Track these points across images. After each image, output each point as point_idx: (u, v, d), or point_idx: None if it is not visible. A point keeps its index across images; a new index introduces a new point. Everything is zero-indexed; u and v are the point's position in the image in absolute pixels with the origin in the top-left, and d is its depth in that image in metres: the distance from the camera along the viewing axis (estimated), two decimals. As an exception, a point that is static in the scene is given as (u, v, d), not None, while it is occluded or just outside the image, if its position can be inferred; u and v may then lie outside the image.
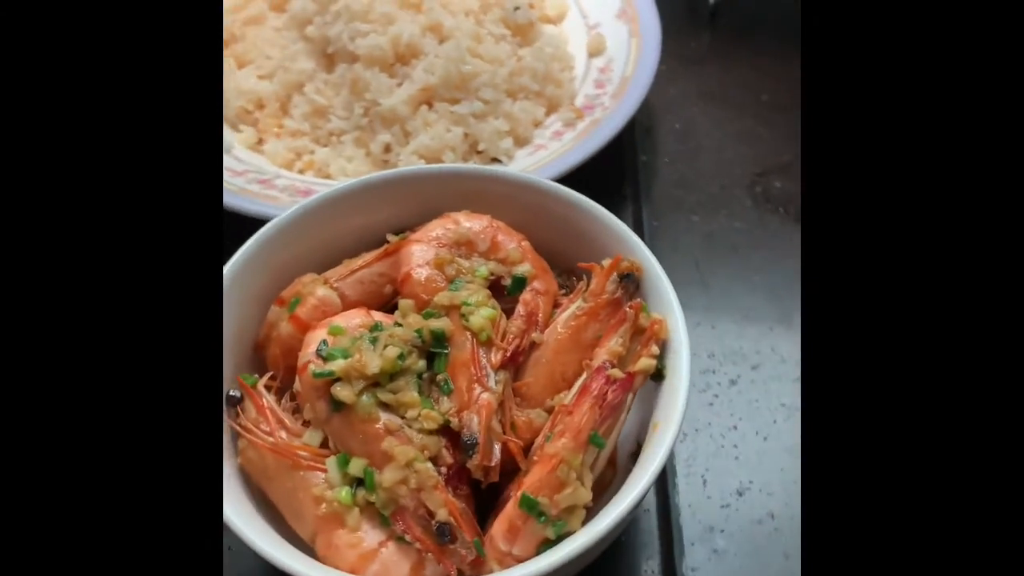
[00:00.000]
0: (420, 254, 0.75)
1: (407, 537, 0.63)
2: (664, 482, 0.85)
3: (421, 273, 0.74)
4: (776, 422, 0.89)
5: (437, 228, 0.77)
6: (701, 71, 1.30)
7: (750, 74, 1.30)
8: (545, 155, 1.00)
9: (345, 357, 0.66)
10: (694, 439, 0.88)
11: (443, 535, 0.62)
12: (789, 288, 1.02)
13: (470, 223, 0.77)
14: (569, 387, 0.70)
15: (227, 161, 1.03)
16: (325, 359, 0.67)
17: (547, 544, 0.62)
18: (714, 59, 1.33)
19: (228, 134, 1.08)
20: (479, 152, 1.02)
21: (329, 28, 1.08)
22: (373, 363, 0.65)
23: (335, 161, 1.02)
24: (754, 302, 1.00)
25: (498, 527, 0.63)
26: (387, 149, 1.02)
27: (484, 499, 0.68)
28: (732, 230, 1.09)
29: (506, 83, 1.04)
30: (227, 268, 0.73)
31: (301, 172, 1.04)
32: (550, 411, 0.70)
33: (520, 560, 0.61)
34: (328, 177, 1.02)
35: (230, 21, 1.16)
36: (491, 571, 0.62)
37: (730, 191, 1.14)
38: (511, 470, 0.67)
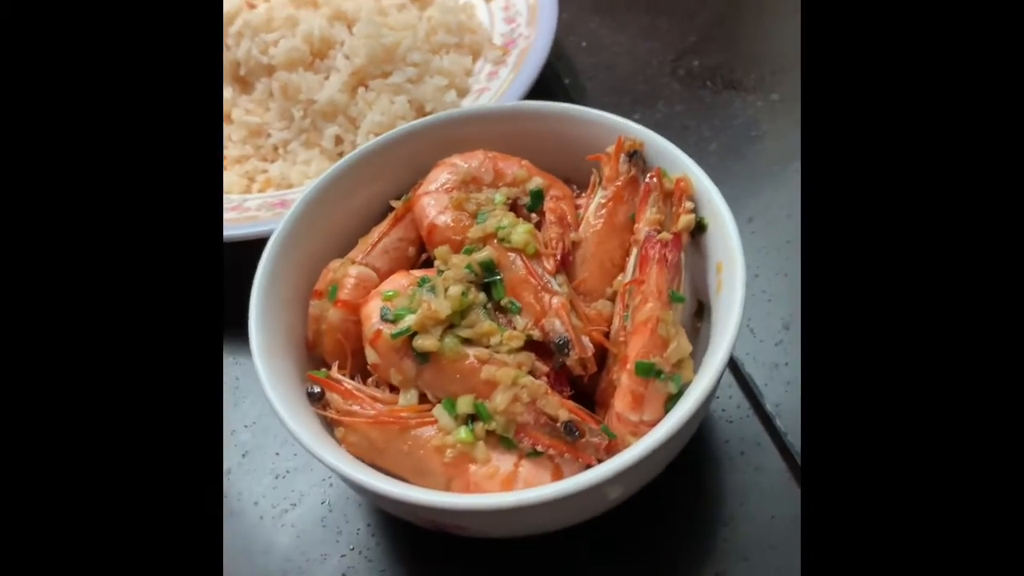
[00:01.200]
0: (435, 204, 0.76)
1: (538, 448, 0.65)
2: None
3: (445, 219, 0.75)
4: (789, 258, 0.94)
5: (440, 176, 0.78)
6: (583, -11, 1.35)
7: (627, -24, 1.36)
8: (490, 96, 1.02)
9: (411, 313, 0.67)
10: (725, 298, 0.92)
11: (571, 432, 0.64)
12: (748, 144, 1.08)
13: (467, 162, 0.79)
14: (621, 271, 0.73)
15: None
16: (394, 321, 0.68)
17: (672, 399, 0.64)
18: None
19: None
20: (427, 114, 1.03)
21: (235, 51, 1.07)
22: (443, 306, 0.67)
23: (293, 170, 1.02)
24: (723, 166, 1.05)
25: (621, 403, 0.65)
26: (338, 141, 1.03)
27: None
28: (675, 114, 1.14)
29: (427, 44, 1.06)
30: (256, 283, 0.73)
31: (262, 192, 1.03)
32: (611, 299, 0.72)
33: (653, 424, 0.63)
34: (291, 187, 1.02)
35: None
36: (628, 445, 0.63)
37: (657, 82, 1.19)
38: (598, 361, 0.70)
